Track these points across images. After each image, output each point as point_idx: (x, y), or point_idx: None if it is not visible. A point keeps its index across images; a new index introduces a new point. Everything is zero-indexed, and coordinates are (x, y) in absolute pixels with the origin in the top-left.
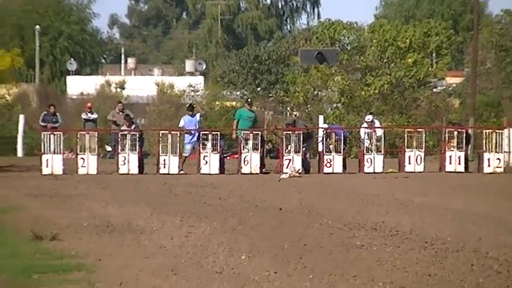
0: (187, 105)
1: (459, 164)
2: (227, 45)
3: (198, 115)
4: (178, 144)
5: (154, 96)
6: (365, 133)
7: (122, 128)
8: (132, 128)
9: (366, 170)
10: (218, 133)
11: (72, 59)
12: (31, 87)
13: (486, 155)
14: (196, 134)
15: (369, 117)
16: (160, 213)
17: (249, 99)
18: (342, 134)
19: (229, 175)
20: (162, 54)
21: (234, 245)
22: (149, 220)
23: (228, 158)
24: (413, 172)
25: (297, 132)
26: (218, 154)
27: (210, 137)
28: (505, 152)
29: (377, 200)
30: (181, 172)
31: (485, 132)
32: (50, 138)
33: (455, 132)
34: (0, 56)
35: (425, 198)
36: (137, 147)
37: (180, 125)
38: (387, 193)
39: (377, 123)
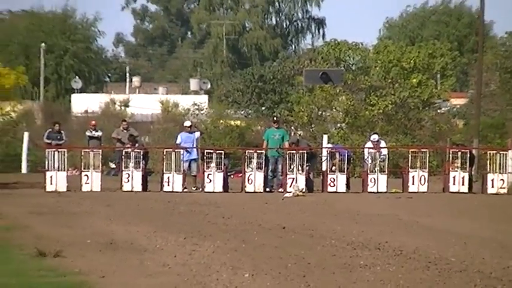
0: (184, 123)
1: (463, 184)
2: (232, 65)
3: (197, 133)
4: (182, 163)
5: (159, 114)
6: (368, 153)
7: (126, 146)
8: (136, 146)
9: (370, 189)
10: (222, 152)
11: (77, 77)
12: (36, 105)
13: (490, 176)
14: (194, 151)
15: (374, 137)
16: (164, 232)
17: (275, 117)
18: (346, 154)
19: (233, 194)
20: (167, 73)
21: (237, 263)
22: (152, 238)
23: (232, 176)
24: (417, 192)
25: (300, 151)
26: (222, 173)
27: (214, 155)
28: (509, 172)
29: (381, 220)
30: (197, 190)
31: (489, 153)
32: (54, 156)
33: (459, 153)
34: (5, 74)
35: (429, 218)
36: (141, 164)
37: (177, 142)
38: (391, 213)
39: (383, 144)
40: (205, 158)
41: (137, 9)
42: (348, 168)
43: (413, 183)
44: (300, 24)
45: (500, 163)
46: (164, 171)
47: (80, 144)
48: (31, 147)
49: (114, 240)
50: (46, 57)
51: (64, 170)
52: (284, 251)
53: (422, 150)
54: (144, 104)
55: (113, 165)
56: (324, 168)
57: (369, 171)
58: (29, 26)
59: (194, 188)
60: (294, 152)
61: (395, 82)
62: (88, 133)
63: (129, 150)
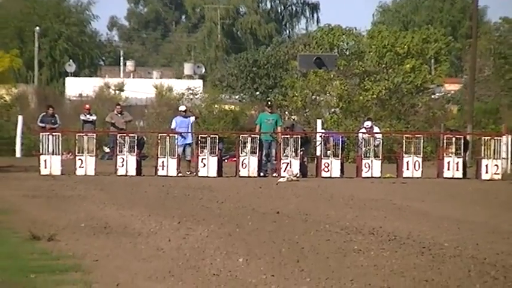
0: (179, 107)
1: (457, 170)
2: (226, 49)
3: (192, 118)
4: (176, 147)
5: (153, 98)
6: (362, 138)
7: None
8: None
9: (364, 174)
10: (216, 136)
11: (71, 60)
12: (30, 88)
13: (484, 162)
14: (189, 136)
15: (367, 124)
16: (158, 216)
17: (269, 102)
18: (340, 139)
19: (227, 178)
20: (161, 57)
21: (231, 248)
22: (146, 222)
23: (226, 161)
24: (411, 178)
25: (295, 136)
26: (216, 157)
27: (208, 140)
28: (503, 158)
29: (374, 205)
30: (191, 174)
31: (484, 139)
32: (48, 139)
33: (454, 139)
34: (0, 57)
35: (423, 204)
36: (135, 149)
37: (172, 127)
38: (385, 198)
39: (376, 129)
40: (199, 142)
41: None
42: (342, 153)
43: (407, 169)
44: (294, 9)
45: (494, 149)
46: (158, 156)
47: (74, 128)
48: (25, 131)
49: (108, 224)
50: (40, 40)
51: (58, 154)
52: (278, 235)
53: (416, 135)
54: (138, 88)
55: (107, 150)
56: (318, 153)
57: (363, 157)
58: (23, 9)
59: (188, 173)
60: (288, 136)
61: (389, 67)
62: (82, 117)
63: (124, 134)
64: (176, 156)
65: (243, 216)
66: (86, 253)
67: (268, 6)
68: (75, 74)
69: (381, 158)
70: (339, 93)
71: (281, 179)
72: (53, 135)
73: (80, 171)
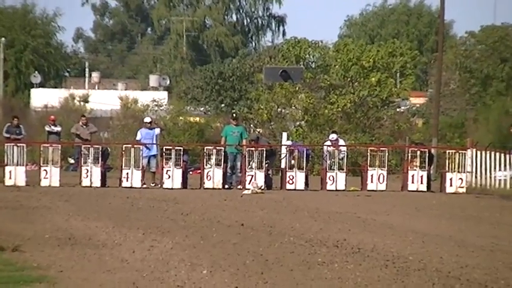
0: (144, 119)
1: (421, 183)
2: (192, 61)
3: (157, 129)
4: (141, 158)
5: (118, 110)
6: (327, 151)
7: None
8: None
9: (328, 187)
10: (181, 148)
11: (36, 72)
12: None
13: (449, 175)
14: (154, 148)
15: (333, 136)
16: (123, 227)
17: (234, 114)
18: (305, 152)
19: (192, 190)
20: (127, 69)
21: (196, 260)
22: (111, 234)
23: (191, 173)
24: (376, 190)
25: (260, 148)
26: (181, 169)
27: (173, 152)
28: (467, 172)
29: (339, 217)
30: (156, 186)
31: (448, 152)
32: (13, 150)
33: (418, 152)
34: None
35: (387, 217)
36: (100, 160)
37: (137, 138)
38: (349, 211)
39: (341, 142)
40: (164, 154)
41: (97, 5)
42: (306, 166)
43: (372, 182)
44: (260, 22)
45: (459, 162)
46: (123, 167)
47: (39, 139)
48: None
49: (72, 235)
50: (6, 52)
51: (23, 165)
52: (242, 247)
53: (381, 148)
54: (104, 100)
55: (71, 161)
56: (283, 166)
57: (327, 169)
58: None
59: (153, 184)
60: (253, 149)
61: (354, 81)
62: (47, 128)
63: (88, 146)
64: (141, 168)
65: (208, 228)
66: (51, 264)
67: (234, 18)
68: (41, 85)
69: (345, 170)
70: (305, 106)
71: (246, 191)
72: (17, 146)
73: (44, 182)
